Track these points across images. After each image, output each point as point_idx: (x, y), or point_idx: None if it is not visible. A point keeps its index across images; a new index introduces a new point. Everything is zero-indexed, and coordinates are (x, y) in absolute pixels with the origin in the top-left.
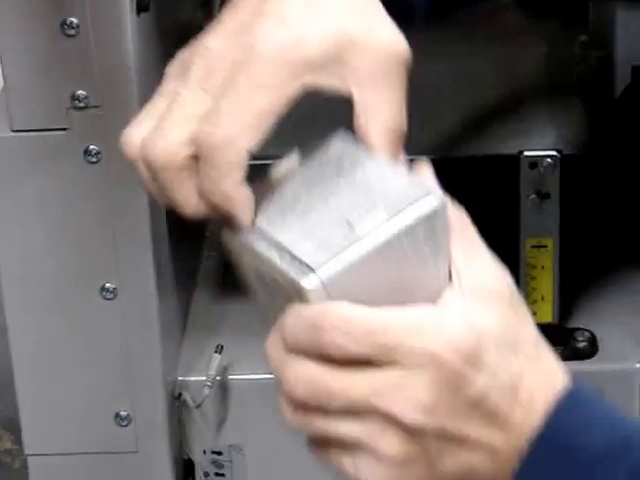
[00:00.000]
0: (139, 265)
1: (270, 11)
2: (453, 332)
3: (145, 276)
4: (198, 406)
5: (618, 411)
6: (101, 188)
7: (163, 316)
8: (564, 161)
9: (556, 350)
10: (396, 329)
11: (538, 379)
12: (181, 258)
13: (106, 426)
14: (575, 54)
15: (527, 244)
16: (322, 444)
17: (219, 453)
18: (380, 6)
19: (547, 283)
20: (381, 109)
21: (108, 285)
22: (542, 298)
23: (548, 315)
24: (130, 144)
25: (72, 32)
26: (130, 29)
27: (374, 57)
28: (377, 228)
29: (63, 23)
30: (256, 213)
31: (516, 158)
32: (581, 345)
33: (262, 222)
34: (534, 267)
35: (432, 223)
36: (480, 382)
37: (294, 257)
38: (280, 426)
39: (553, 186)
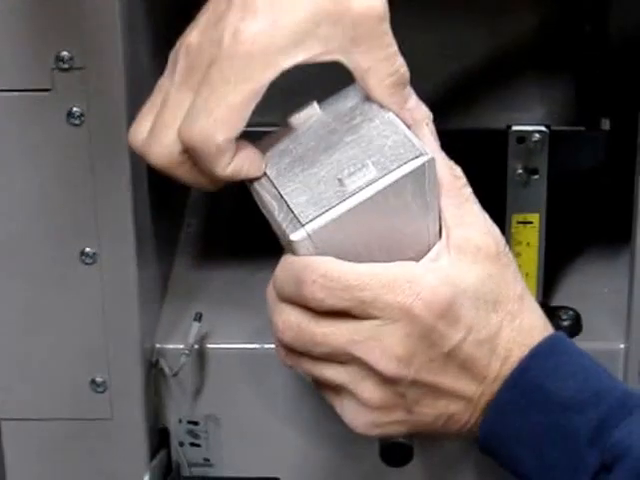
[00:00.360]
0: (119, 231)
1: (237, 3)
2: (427, 288)
3: (125, 242)
4: (175, 374)
5: (596, 367)
6: (83, 151)
7: (142, 283)
8: (553, 137)
9: None
10: (373, 285)
11: (517, 335)
12: (162, 225)
13: (81, 392)
14: (567, 28)
15: (513, 219)
16: (316, 382)
17: (195, 423)
18: None
19: (532, 260)
20: (374, 69)
21: (88, 250)
22: (526, 275)
23: (532, 292)
24: (134, 143)
25: None
26: None
27: (350, 22)
28: (366, 185)
29: None
30: (270, 161)
31: (504, 132)
32: (565, 324)
33: (272, 172)
34: (519, 243)
35: (419, 182)
36: (455, 337)
37: (290, 210)
38: (258, 397)
39: (541, 162)
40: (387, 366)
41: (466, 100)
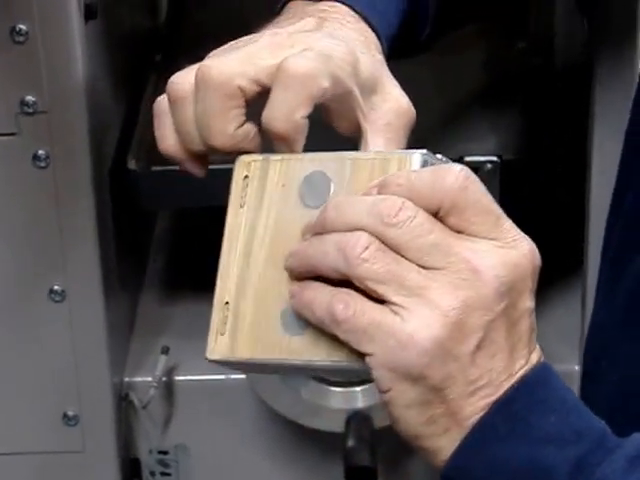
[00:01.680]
0: (86, 268)
1: (326, 28)
2: (533, 244)
3: (92, 279)
4: (144, 406)
5: (577, 402)
6: (49, 192)
7: (110, 318)
8: (504, 166)
9: None
10: (499, 208)
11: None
12: (128, 261)
13: (53, 426)
14: (514, 60)
15: None
16: (356, 291)
17: (165, 453)
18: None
19: None
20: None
21: (56, 287)
22: None
23: None
24: (178, 78)
25: (21, 39)
26: (78, 36)
27: (396, 111)
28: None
29: (12, 30)
30: None
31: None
32: None
33: None
34: None
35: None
36: (531, 303)
37: (378, 152)
38: (225, 426)
39: (494, 191)
40: (492, 281)
41: (419, 132)
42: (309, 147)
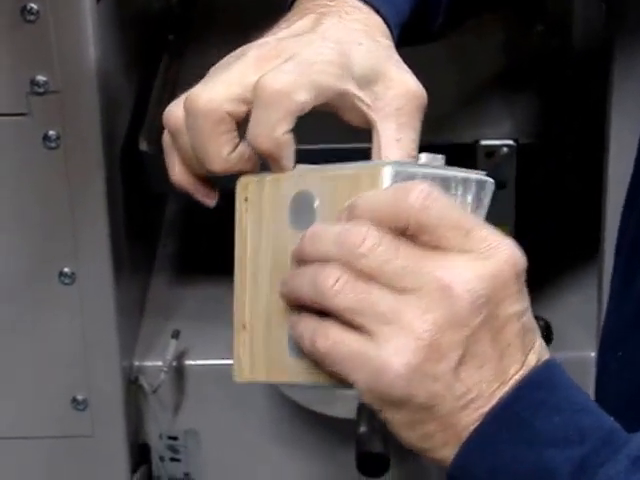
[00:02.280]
0: (97, 251)
1: (321, 32)
2: (515, 248)
3: (102, 261)
4: (154, 391)
5: (584, 400)
6: (60, 174)
7: (120, 301)
8: (520, 150)
9: None
10: (472, 219)
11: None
12: (138, 245)
13: (63, 410)
14: (532, 43)
15: None
16: (334, 322)
17: (175, 438)
18: (401, 60)
19: None
20: (398, 146)
21: (66, 270)
22: None
23: None
24: (172, 110)
25: (32, 18)
26: (90, 15)
27: (404, 96)
28: (440, 168)
29: (23, 9)
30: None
31: (472, 147)
32: None
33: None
34: None
35: (482, 193)
36: (519, 305)
37: (359, 166)
38: (235, 411)
39: (509, 175)
40: (466, 297)
41: (435, 116)
42: (329, 137)
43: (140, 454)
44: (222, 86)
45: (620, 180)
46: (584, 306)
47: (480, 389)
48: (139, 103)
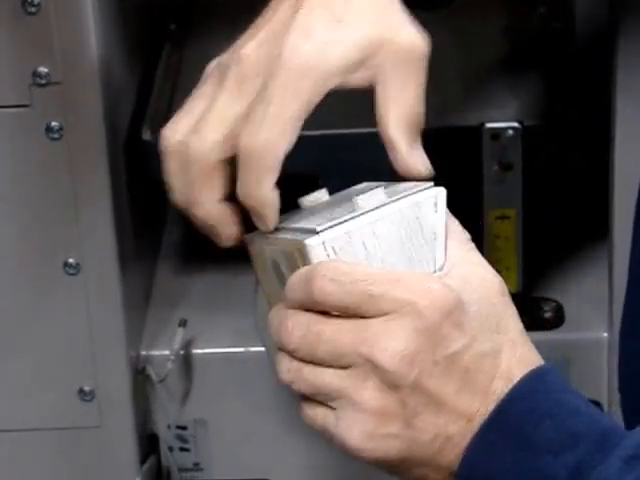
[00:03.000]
0: (101, 240)
1: (299, 24)
2: (435, 289)
3: (107, 251)
4: (162, 380)
5: (577, 402)
6: (63, 164)
7: (126, 291)
8: (526, 132)
9: (522, 320)
10: (382, 280)
11: (519, 362)
12: (144, 232)
13: (70, 401)
14: (535, 25)
15: (490, 215)
16: (309, 401)
17: (183, 428)
18: (400, 6)
19: (511, 254)
20: (400, 100)
21: (71, 260)
22: (507, 268)
23: (513, 285)
24: (168, 139)
25: (33, 9)
26: (91, 5)
27: (396, 54)
28: (378, 206)
29: (24, 0)
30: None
31: (478, 130)
32: (547, 315)
33: (282, 221)
34: (498, 238)
35: (429, 211)
36: (459, 341)
37: (305, 230)
38: (244, 400)
39: (515, 157)
40: (392, 361)
41: (439, 99)
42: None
43: (149, 444)
44: (211, 129)
45: (627, 160)
46: (595, 287)
47: (447, 431)
48: (141, 93)
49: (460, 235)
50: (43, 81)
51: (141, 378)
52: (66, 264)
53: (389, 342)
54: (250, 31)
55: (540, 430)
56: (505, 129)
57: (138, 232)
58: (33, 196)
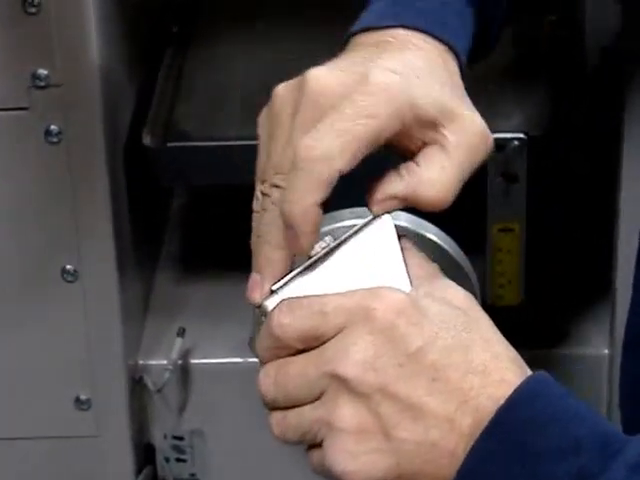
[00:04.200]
0: (100, 248)
1: (380, 64)
2: (387, 293)
3: (106, 259)
4: (159, 390)
5: (576, 407)
6: (62, 169)
7: (124, 299)
8: (531, 143)
9: (523, 335)
10: (332, 297)
11: (494, 358)
12: (142, 241)
13: (66, 410)
14: (543, 34)
15: (494, 228)
16: (309, 449)
17: (180, 438)
18: (470, 102)
19: (514, 267)
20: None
21: (69, 267)
22: (509, 282)
23: (515, 299)
24: (264, 195)
25: (33, 10)
26: (91, 7)
27: (470, 132)
28: (328, 250)
29: (24, 1)
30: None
31: None
32: (549, 330)
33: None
34: (500, 250)
35: (376, 240)
36: (419, 339)
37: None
38: (242, 411)
39: (520, 169)
40: (353, 370)
41: None
42: None
43: (145, 454)
44: (304, 187)
45: (634, 171)
46: (597, 302)
47: (428, 437)
48: (142, 96)
49: (425, 259)
50: (42, 83)
51: (138, 387)
52: (64, 271)
53: (348, 352)
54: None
55: (542, 437)
56: (510, 140)
57: (137, 240)
58: (31, 202)
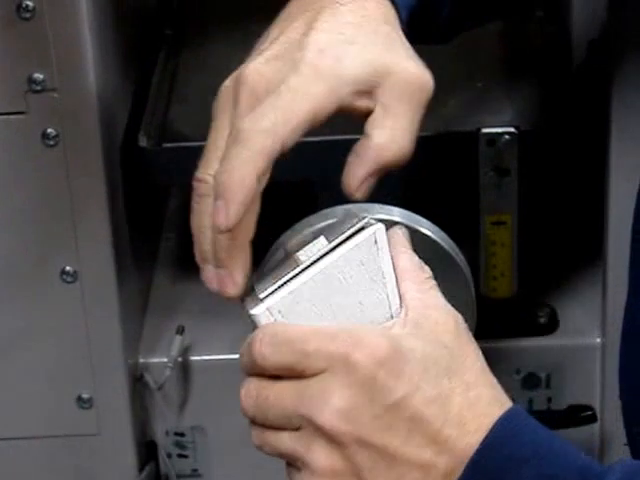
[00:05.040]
0: (98, 248)
1: (312, 41)
2: (368, 340)
3: (104, 259)
4: (160, 388)
5: (550, 442)
6: (59, 171)
7: (123, 298)
8: (522, 137)
9: (516, 326)
10: (315, 338)
11: (473, 405)
12: (140, 240)
13: (68, 409)
14: (531, 29)
15: (486, 221)
16: (287, 464)
17: (182, 434)
18: (405, 40)
19: (507, 259)
20: (394, 133)
21: (68, 268)
22: (502, 274)
23: (508, 291)
24: (203, 186)
25: (27, 15)
26: (85, 11)
27: (403, 85)
28: (318, 258)
29: (19, 6)
30: (259, 276)
31: (474, 135)
32: (542, 320)
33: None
34: (494, 243)
35: (370, 251)
36: (398, 390)
37: (253, 297)
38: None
39: (512, 162)
40: (329, 420)
41: (435, 105)
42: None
43: (147, 451)
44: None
45: (623, 165)
46: (589, 293)
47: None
48: (138, 99)
49: (417, 274)
50: (39, 87)
51: (139, 385)
52: (63, 272)
53: (325, 401)
54: (254, 52)
55: (517, 478)
56: (501, 134)
57: (135, 239)
58: (29, 204)
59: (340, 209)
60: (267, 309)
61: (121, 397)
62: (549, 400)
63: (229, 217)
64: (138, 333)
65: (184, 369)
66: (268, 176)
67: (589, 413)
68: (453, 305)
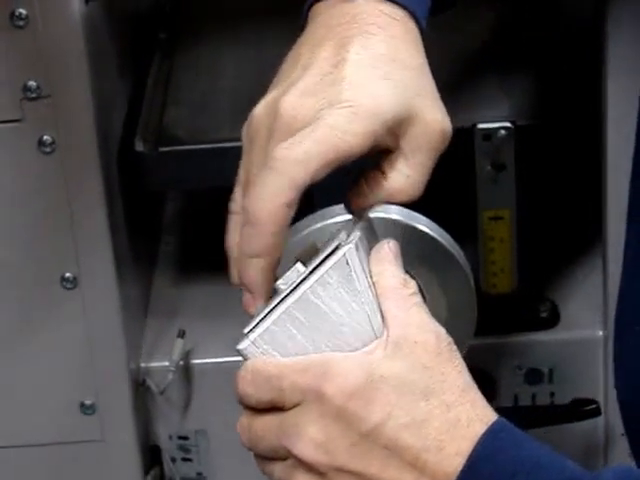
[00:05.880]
0: (98, 254)
1: (347, 76)
2: (339, 371)
3: (104, 264)
4: (162, 392)
5: (537, 455)
6: (57, 178)
7: (124, 303)
8: (518, 132)
9: (518, 321)
10: (289, 372)
11: (452, 427)
12: (140, 245)
13: (71, 416)
14: (527, 24)
15: (484, 216)
16: None
17: (185, 438)
18: (432, 81)
19: (506, 254)
20: (405, 183)
21: (68, 275)
22: (502, 270)
23: (508, 286)
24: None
25: (21, 23)
26: (79, 17)
27: (430, 132)
28: (294, 286)
29: (12, 14)
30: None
31: (470, 130)
32: (543, 314)
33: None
34: (492, 239)
35: (344, 272)
36: (371, 419)
37: (242, 333)
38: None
39: (508, 157)
40: (306, 452)
41: None
42: None
43: (151, 456)
44: (272, 188)
45: (619, 159)
46: (590, 286)
47: None
48: (133, 103)
49: (400, 291)
50: (33, 95)
51: (141, 390)
52: (63, 278)
53: (300, 433)
54: (283, 75)
55: None
56: (497, 129)
57: (134, 244)
58: (27, 211)
59: (337, 208)
60: (252, 342)
61: (124, 402)
62: (552, 395)
63: (265, 249)
64: (139, 338)
65: (186, 373)
66: (297, 206)
67: (593, 407)
68: (453, 304)
